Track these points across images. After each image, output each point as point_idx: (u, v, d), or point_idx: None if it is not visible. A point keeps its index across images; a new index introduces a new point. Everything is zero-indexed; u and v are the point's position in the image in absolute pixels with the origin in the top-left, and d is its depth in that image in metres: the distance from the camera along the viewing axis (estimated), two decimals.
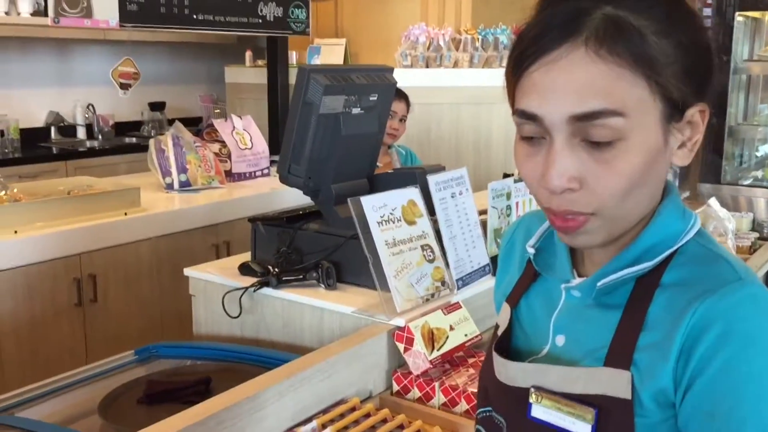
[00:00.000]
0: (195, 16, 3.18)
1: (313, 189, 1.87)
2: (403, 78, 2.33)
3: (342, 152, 1.86)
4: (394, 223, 1.66)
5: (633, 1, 0.69)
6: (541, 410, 0.77)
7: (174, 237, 2.85)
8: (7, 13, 2.63)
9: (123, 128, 5.28)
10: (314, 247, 1.85)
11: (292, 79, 4.37)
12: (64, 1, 2.67)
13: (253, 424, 1.28)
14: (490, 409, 0.86)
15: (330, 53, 4.38)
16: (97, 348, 2.56)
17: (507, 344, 0.87)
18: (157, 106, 5.40)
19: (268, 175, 3.59)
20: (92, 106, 5.11)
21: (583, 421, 0.73)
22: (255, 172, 3.54)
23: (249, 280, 1.83)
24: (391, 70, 2.00)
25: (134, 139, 5.17)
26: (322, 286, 1.78)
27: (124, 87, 3.10)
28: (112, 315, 2.64)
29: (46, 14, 2.68)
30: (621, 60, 0.67)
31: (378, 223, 1.62)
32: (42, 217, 2.49)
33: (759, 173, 3.38)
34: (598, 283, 0.76)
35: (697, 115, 0.73)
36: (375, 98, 1.90)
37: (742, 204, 3.25)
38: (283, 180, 1.86)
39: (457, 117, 4.08)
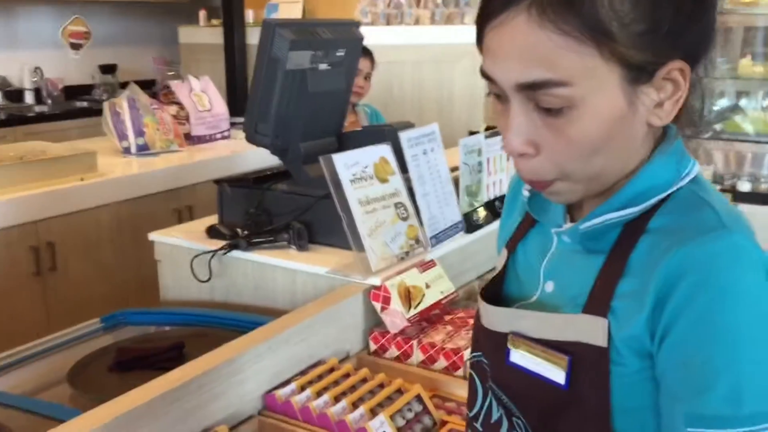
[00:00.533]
0: None
1: (281, 148, 1.82)
2: (366, 36, 2.27)
3: (310, 110, 1.81)
4: (366, 180, 1.62)
5: None
6: (518, 356, 0.77)
7: (134, 202, 2.77)
8: None
9: (73, 92, 5.09)
10: (284, 208, 1.81)
11: (249, 38, 4.29)
12: None
13: (232, 387, 1.25)
14: (480, 354, 0.85)
15: (288, 11, 4.26)
16: (59, 318, 2.48)
17: (498, 289, 0.86)
18: (108, 69, 5.22)
19: (228, 137, 3.50)
20: (40, 69, 4.91)
21: (558, 368, 0.72)
22: (215, 134, 3.45)
23: (217, 244, 1.79)
24: (358, 24, 1.94)
25: (85, 104, 4.99)
26: (294, 247, 1.74)
27: (75, 47, 2.97)
28: (73, 283, 2.56)
29: None
30: (565, 27, 0.63)
31: (351, 181, 1.59)
32: None
33: (718, 126, 3.42)
34: (581, 227, 0.75)
35: (674, 72, 0.68)
36: (342, 54, 1.85)
37: (702, 157, 3.28)
38: (250, 139, 1.80)
39: (420, 75, 4.03)
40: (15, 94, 4.86)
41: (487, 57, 0.69)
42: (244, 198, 1.86)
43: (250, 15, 4.38)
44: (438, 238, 1.75)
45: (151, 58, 5.55)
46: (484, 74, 0.70)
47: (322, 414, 1.25)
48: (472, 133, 2.34)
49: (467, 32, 3.95)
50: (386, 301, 1.52)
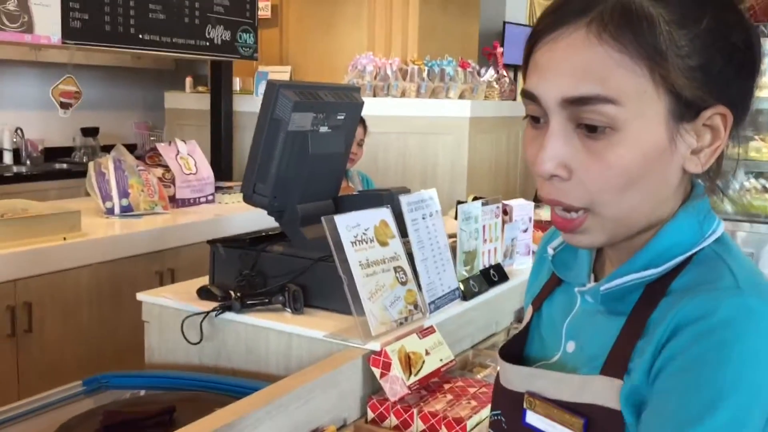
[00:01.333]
0: (141, 36, 3.08)
1: (278, 209, 1.80)
2: (363, 101, 2.30)
3: (309, 172, 1.80)
4: (367, 243, 1.60)
5: None
6: (534, 417, 0.75)
7: (116, 263, 2.70)
8: None
9: (53, 154, 5.05)
10: (279, 270, 1.77)
11: (236, 105, 4.31)
12: (3, 15, 2.53)
13: None
14: (498, 412, 0.83)
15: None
16: (31, 383, 2.38)
17: (519, 348, 0.85)
18: (90, 132, 5.20)
19: (212, 201, 3.48)
20: (21, 130, 4.88)
21: (573, 431, 0.70)
22: (199, 198, 3.42)
23: (208, 305, 1.73)
24: (358, 89, 1.96)
25: (65, 165, 4.94)
26: (289, 310, 1.70)
27: (65, 106, 2.95)
28: (48, 346, 2.46)
29: None
30: (622, 46, 0.64)
31: (351, 243, 1.56)
32: None
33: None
34: (601, 288, 0.74)
35: (716, 118, 0.68)
36: (342, 117, 1.86)
37: None
38: (248, 200, 1.78)
39: (405, 146, 4.07)
40: None
41: (534, 74, 0.69)
42: (238, 259, 1.82)
43: (237, 83, 4.42)
44: (436, 304, 1.72)
45: (133, 123, 5.56)
46: (527, 93, 0.70)
47: None
48: (460, 202, 2.35)
49: (451, 106, 4.03)
50: (386, 366, 1.48)
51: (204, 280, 1.89)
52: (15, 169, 4.73)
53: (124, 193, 3.03)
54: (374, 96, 4.11)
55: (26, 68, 4.92)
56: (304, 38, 4.97)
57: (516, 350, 0.85)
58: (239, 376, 1.68)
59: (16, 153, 4.86)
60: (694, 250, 0.71)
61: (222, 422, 1.19)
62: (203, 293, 1.79)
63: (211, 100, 4.14)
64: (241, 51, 3.65)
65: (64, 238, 2.54)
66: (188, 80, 5.00)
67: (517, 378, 0.79)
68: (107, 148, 5.04)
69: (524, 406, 0.76)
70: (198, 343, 1.70)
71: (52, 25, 2.70)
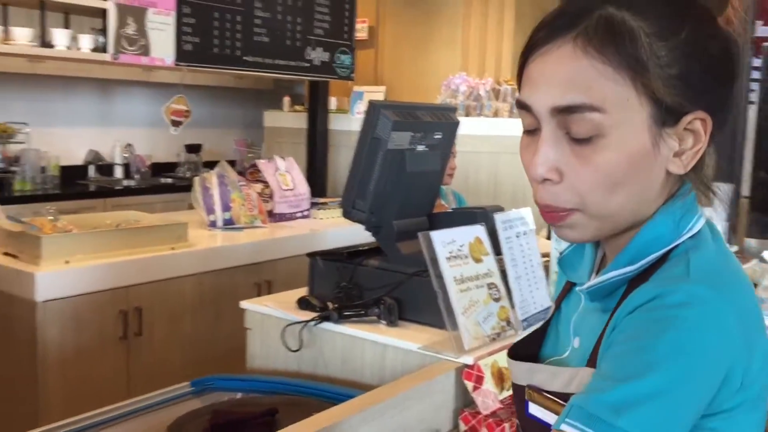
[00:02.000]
0: (245, 59, 3.24)
1: (376, 225, 1.86)
2: (459, 121, 2.35)
3: (405, 189, 1.86)
4: (462, 259, 1.64)
5: (638, 3, 0.71)
6: (534, 408, 0.81)
7: (218, 273, 2.85)
8: (68, 48, 2.68)
9: (159, 168, 5.34)
10: (374, 283, 1.83)
11: (332, 124, 4.45)
12: (124, 38, 2.73)
13: None
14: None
15: (371, 99, 4.45)
16: (139, 382, 2.53)
17: (536, 345, 0.90)
18: (193, 148, 5.47)
19: (308, 216, 3.60)
20: (131, 146, 5.19)
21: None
22: (296, 213, 3.54)
23: (307, 315, 1.81)
24: (454, 109, 2.01)
25: (170, 180, 5.22)
26: (384, 322, 1.76)
27: (176, 124, 3.14)
28: (156, 349, 2.62)
29: (105, 50, 2.74)
30: (606, 58, 0.69)
31: (447, 258, 1.61)
32: (92, 249, 2.50)
33: None
34: (585, 286, 0.79)
35: (697, 123, 0.72)
36: (439, 136, 1.91)
37: None
38: (346, 215, 1.85)
39: (496, 166, 4.09)
40: (106, 168, 5.12)
41: (527, 85, 0.74)
42: (336, 271, 1.89)
43: (333, 102, 4.56)
44: (528, 322, 1.74)
45: (233, 140, 5.81)
46: (520, 103, 0.75)
47: None
48: None
49: None
50: (479, 380, 1.51)
51: (301, 291, 1.98)
52: (125, 182, 5.03)
53: (226, 207, 3.18)
54: (467, 116, 4.16)
55: (138, 88, 5.24)
56: (399, 59, 5.08)
57: (534, 347, 0.89)
58: (335, 384, 1.75)
59: (126, 167, 5.17)
60: (669, 247, 0.74)
61: (321, 425, 1.26)
62: (303, 303, 1.87)
63: (308, 119, 4.28)
64: (338, 72, 3.77)
65: (172, 248, 2.70)
66: (286, 99, 5.20)
67: (520, 373, 0.84)
68: (209, 164, 5.30)
69: (526, 398, 0.82)
70: (297, 350, 1.78)
71: (166, 48, 2.88)
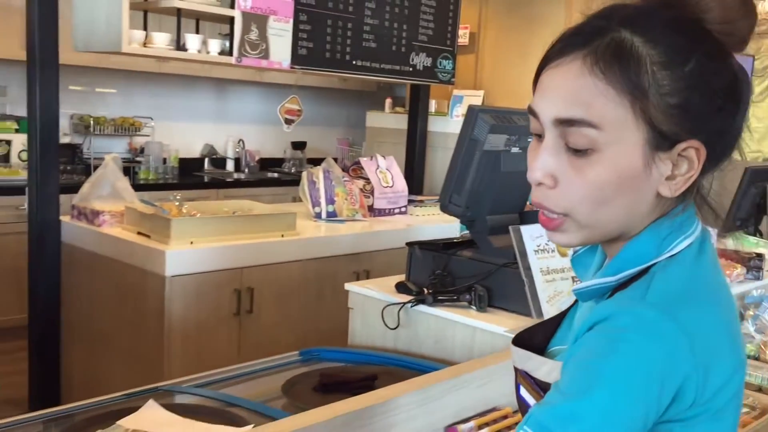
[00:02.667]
0: (354, 62, 3.47)
1: (470, 219, 2.03)
2: None
3: (499, 187, 2.02)
4: (548, 252, 1.79)
5: (652, 31, 0.74)
6: (524, 391, 0.87)
7: (321, 261, 3.08)
8: (198, 51, 2.98)
9: (267, 163, 5.68)
10: (466, 272, 2.00)
11: (430, 126, 4.64)
12: (247, 43, 3.00)
13: (422, 415, 1.43)
14: None
15: (471, 102, 4.59)
16: (249, 357, 2.78)
17: (549, 332, 0.94)
18: (298, 145, 5.79)
19: (405, 213, 3.80)
20: (242, 141, 5.55)
21: None
22: (394, 209, 3.75)
23: (404, 298, 2.00)
24: None
25: (276, 174, 5.55)
26: (474, 308, 1.92)
27: (288, 122, 3.40)
28: (265, 326, 2.88)
29: (230, 54, 3.02)
30: (609, 79, 0.73)
31: (534, 251, 1.76)
32: (213, 232, 2.78)
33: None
34: (574, 288, 0.85)
35: (691, 151, 0.75)
36: (532, 139, 2.06)
37: None
38: (444, 208, 2.03)
39: None
40: (219, 162, 5.51)
41: (538, 93, 0.78)
42: (432, 260, 2.07)
43: (432, 105, 4.74)
44: None
45: (336, 139, 6.10)
46: (530, 109, 0.79)
47: None
48: None
49: None
50: None
51: (398, 279, 2.17)
52: (235, 175, 5.40)
53: (330, 200, 3.42)
54: None
55: (251, 87, 5.60)
56: (499, 64, 5.21)
57: (541, 335, 0.93)
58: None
59: (237, 161, 5.54)
60: (648, 264, 0.78)
61: (416, 387, 1.44)
62: (400, 287, 2.06)
63: (409, 120, 4.48)
64: (440, 76, 3.95)
65: (282, 235, 2.96)
66: (388, 101, 5.43)
67: (517, 357, 0.89)
68: (312, 161, 5.60)
69: (518, 381, 0.89)
70: (395, 328, 1.97)
71: (283, 52, 3.15)
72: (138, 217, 2.82)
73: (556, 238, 0.81)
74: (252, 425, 1.34)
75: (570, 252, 0.96)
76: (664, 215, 0.79)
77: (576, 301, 0.93)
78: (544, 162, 0.77)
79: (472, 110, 1.94)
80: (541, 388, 0.83)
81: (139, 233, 2.78)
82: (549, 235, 0.82)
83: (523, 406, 0.89)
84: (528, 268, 1.73)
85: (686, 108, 0.74)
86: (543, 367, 0.84)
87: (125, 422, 1.38)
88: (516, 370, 0.90)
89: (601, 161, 0.74)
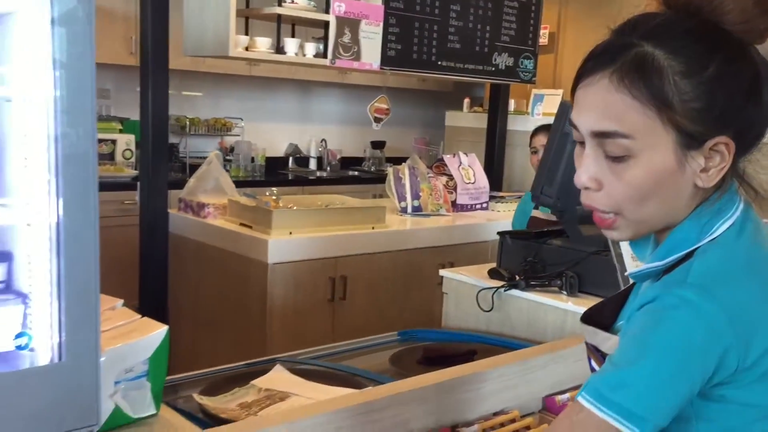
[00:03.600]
0: (439, 63, 3.61)
1: (561, 209, 2.14)
2: None
3: None
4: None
5: (672, 42, 0.81)
6: (593, 363, 0.97)
7: (408, 252, 3.23)
8: (296, 54, 3.17)
9: (347, 162, 5.88)
10: (556, 259, 2.12)
11: (510, 125, 4.73)
12: (340, 46, 3.18)
13: (522, 384, 1.56)
14: None
15: (549, 102, 4.67)
16: (343, 340, 2.96)
17: (607, 310, 1.02)
18: (378, 145, 5.96)
19: (486, 209, 3.91)
20: (324, 141, 5.76)
21: None
22: (476, 204, 3.87)
23: (496, 284, 2.13)
24: None
25: (356, 173, 5.73)
26: (564, 292, 2.04)
27: (377, 120, 3.57)
28: (357, 312, 3.05)
29: (325, 56, 3.21)
30: (635, 93, 0.81)
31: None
32: (309, 223, 2.96)
33: None
34: (629, 272, 0.95)
35: (720, 146, 0.83)
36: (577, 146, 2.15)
37: None
38: (535, 199, 2.15)
39: None
40: (302, 160, 5.73)
41: (575, 108, 0.87)
42: (523, 248, 2.20)
43: (512, 104, 4.84)
44: None
45: (413, 139, 6.25)
46: (571, 122, 0.88)
47: None
48: None
49: None
50: None
51: (485, 268, 2.29)
52: (318, 173, 5.61)
53: (416, 196, 3.57)
54: None
55: (333, 89, 5.81)
56: (578, 64, 5.24)
57: (608, 312, 1.02)
58: None
59: (320, 160, 5.75)
60: (692, 248, 0.86)
61: (517, 359, 1.57)
62: (493, 273, 2.19)
63: (488, 119, 4.59)
64: (521, 75, 4.05)
65: (373, 228, 3.12)
66: (466, 101, 5.54)
67: (587, 333, 0.99)
68: (390, 160, 5.76)
69: (588, 354, 0.99)
70: (489, 311, 2.10)
71: (374, 54, 3.31)
72: (241, 209, 3.03)
73: (610, 235, 0.90)
74: (370, 387, 1.49)
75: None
76: (704, 202, 0.88)
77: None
78: (587, 168, 0.86)
79: (564, 105, 2.05)
80: (605, 358, 0.93)
81: (241, 224, 2.99)
82: (604, 233, 0.90)
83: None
84: (620, 254, 1.83)
85: (710, 110, 0.82)
86: (608, 342, 0.94)
87: (258, 382, 1.55)
88: (586, 344, 1.00)
89: (638, 165, 0.83)
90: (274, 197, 3.19)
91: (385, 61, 3.40)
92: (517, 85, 4.36)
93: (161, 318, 3.24)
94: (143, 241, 3.21)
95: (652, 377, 0.80)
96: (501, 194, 4.11)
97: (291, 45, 3.15)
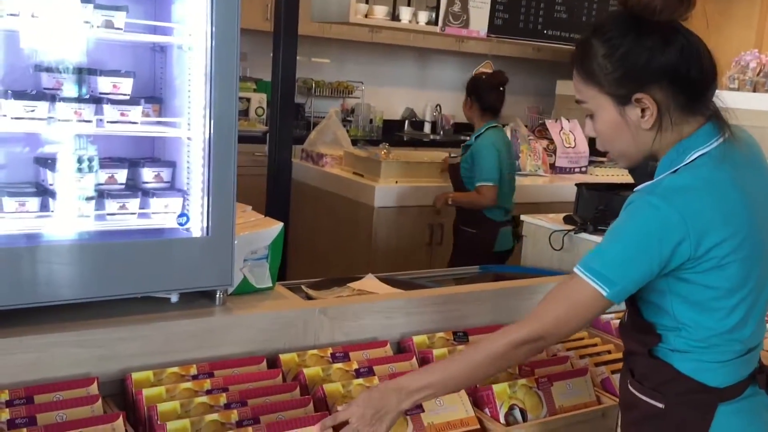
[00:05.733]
0: (546, 32, 3.84)
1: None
2: (730, 100, 2.72)
3: None
4: None
5: (604, 33, 1.15)
6: None
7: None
8: (410, 21, 3.51)
9: (460, 128, 6.17)
10: None
11: None
12: (450, 14, 3.49)
13: None
14: None
15: None
16: None
17: None
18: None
19: (585, 172, 4.11)
20: (439, 106, 6.08)
21: None
22: (575, 168, 4.09)
23: (568, 228, 2.40)
24: None
25: (468, 137, 6.01)
26: None
27: None
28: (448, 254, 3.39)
29: (436, 24, 3.52)
30: (581, 73, 1.18)
31: None
32: (413, 175, 3.32)
33: None
34: (634, 190, 1.22)
35: (643, 99, 1.14)
36: None
37: None
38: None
39: None
40: (417, 124, 6.09)
41: None
42: (597, 198, 2.45)
43: None
44: None
45: (526, 107, 6.44)
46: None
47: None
48: None
49: None
50: None
51: (561, 216, 2.55)
52: (431, 136, 5.94)
53: (516, 156, 3.84)
54: (754, 91, 4.30)
55: (449, 57, 6.10)
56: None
57: None
58: None
59: (434, 125, 6.08)
60: (672, 170, 1.16)
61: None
62: (567, 219, 2.46)
63: None
64: None
65: None
66: None
67: None
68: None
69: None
70: (559, 250, 2.38)
71: (481, 22, 3.59)
72: (354, 159, 3.43)
73: (619, 164, 1.31)
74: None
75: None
76: (688, 137, 1.18)
77: None
78: (587, 125, 1.26)
79: None
80: None
81: (354, 173, 3.39)
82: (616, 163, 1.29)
83: None
84: None
85: (625, 77, 1.16)
86: None
87: (353, 285, 1.94)
88: None
89: (598, 120, 1.21)
90: (385, 150, 3.56)
91: (493, 29, 3.67)
92: None
93: (282, 254, 3.74)
94: (269, 187, 3.68)
95: (620, 252, 1.15)
96: (602, 159, 4.28)
97: (405, 13, 3.49)
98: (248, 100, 5.13)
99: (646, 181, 2.36)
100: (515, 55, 6.03)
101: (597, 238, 2.31)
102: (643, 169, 2.42)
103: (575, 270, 1.17)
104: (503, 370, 1.35)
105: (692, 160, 1.15)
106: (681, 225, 1.10)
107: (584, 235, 2.35)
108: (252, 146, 4.76)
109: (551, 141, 4.06)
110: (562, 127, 4.11)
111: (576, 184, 2.56)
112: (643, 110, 1.15)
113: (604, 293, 1.12)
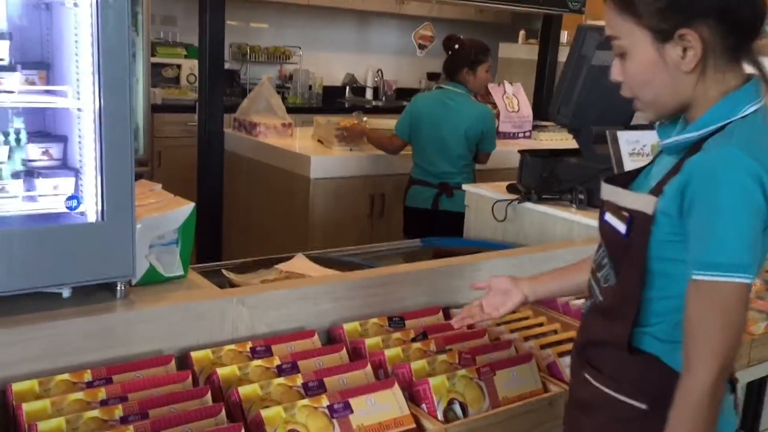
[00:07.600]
0: None
1: (576, 128, 2.26)
2: None
3: (604, 100, 2.21)
4: (642, 156, 2.00)
5: None
6: (607, 214, 1.15)
7: None
8: None
9: (403, 93, 6.00)
10: (569, 176, 2.24)
11: (561, 56, 4.75)
12: None
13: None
14: None
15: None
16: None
17: (625, 178, 1.21)
18: (433, 76, 6.05)
19: (529, 137, 4.01)
20: (381, 71, 5.89)
21: (622, 223, 1.10)
22: (518, 132, 3.98)
23: (513, 197, 2.28)
24: None
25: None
26: (574, 206, 2.17)
27: (421, 47, 3.68)
28: (392, 228, 3.25)
29: None
30: (616, 6, 1.07)
31: (629, 154, 1.98)
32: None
33: None
34: (664, 142, 1.12)
35: (687, 36, 1.02)
36: None
37: None
38: (552, 118, 2.27)
39: None
40: (359, 90, 5.89)
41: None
42: (541, 165, 2.33)
43: (564, 36, 4.84)
44: None
45: None
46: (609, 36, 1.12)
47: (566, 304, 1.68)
48: None
49: None
50: None
51: (504, 185, 2.43)
52: (374, 103, 5.76)
53: None
54: None
55: (390, 20, 5.90)
56: None
57: (626, 179, 1.20)
58: None
59: (375, 90, 5.90)
60: (725, 122, 1.04)
61: (509, 254, 1.74)
62: (510, 188, 2.34)
63: (539, 51, 4.62)
64: (569, 5, 4.07)
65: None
66: (521, 33, 5.55)
67: (606, 191, 1.17)
68: None
69: (604, 208, 1.16)
70: (502, 221, 2.26)
71: None
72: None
73: (644, 117, 1.15)
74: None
75: (657, 125, 1.23)
76: (737, 89, 1.06)
77: (651, 161, 1.22)
78: (614, 68, 1.12)
79: (581, 28, 2.15)
80: (621, 210, 1.12)
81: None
82: (641, 116, 1.17)
83: (603, 227, 1.17)
84: (622, 168, 1.95)
85: (671, 9, 1.04)
86: (628, 197, 1.13)
87: (280, 266, 1.78)
88: (605, 202, 1.18)
89: (631, 59, 1.08)
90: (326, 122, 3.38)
91: None
92: (572, 16, 4.37)
93: (215, 227, 3.55)
94: (201, 158, 3.46)
95: (735, 231, 0.99)
96: (545, 124, 4.18)
97: None
98: (179, 66, 4.86)
99: (589, 146, 2.28)
100: (459, 17, 5.88)
101: (542, 208, 2.20)
102: (588, 132, 2.32)
103: (699, 278, 1.00)
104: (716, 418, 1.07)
105: (746, 115, 1.05)
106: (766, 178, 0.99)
107: (528, 205, 2.24)
108: (185, 116, 4.53)
109: (494, 105, 3.92)
110: (505, 91, 3.99)
111: (519, 151, 2.44)
112: (684, 50, 1.04)
113: (748, 281, 0.99)
